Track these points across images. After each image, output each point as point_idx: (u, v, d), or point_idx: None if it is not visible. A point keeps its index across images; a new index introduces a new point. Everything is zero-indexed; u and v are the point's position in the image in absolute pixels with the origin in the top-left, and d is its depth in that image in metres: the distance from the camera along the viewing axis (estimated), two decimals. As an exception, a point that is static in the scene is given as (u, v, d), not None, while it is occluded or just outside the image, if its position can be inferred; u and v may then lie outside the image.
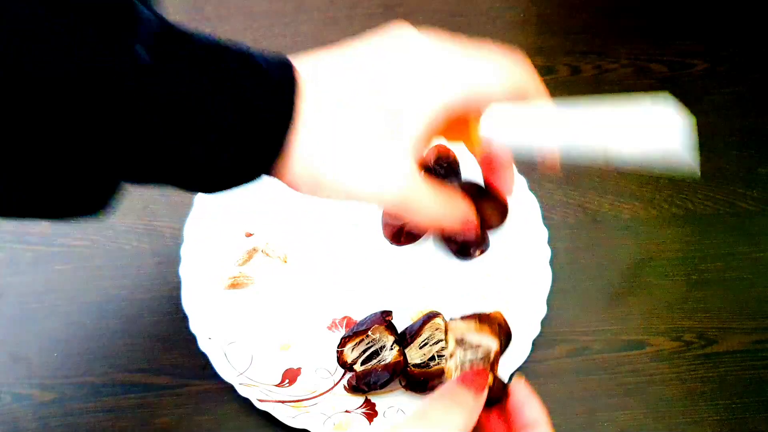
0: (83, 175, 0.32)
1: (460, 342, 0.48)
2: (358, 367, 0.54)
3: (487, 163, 0.44)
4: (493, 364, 0.47)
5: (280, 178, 0.36)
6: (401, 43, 0.38)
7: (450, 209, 0.40)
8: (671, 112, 0.34)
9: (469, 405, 0.38)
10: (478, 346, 0.47)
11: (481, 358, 0.47)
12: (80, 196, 0.33)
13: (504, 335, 0.52)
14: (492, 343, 0.47)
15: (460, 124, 0.39)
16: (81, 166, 0.31)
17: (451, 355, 0.49)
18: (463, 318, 0.48)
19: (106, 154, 0.31)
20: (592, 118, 0.37)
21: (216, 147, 0.33)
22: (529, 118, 0.38)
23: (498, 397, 0.42)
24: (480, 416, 0.40)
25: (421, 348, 0.54)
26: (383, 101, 0.36)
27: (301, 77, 0.36)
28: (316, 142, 0.36)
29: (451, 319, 0.49)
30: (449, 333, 0.49)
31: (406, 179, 0.37)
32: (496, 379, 0.42)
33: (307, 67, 0.37)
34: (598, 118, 0.36)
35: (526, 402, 0.42)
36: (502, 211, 0.45)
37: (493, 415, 0.43)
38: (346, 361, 0.54)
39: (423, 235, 0.53)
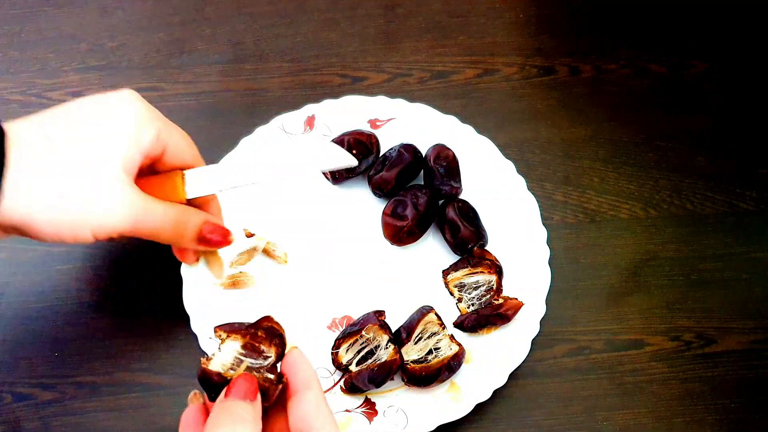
0: None
1: (461, 287, 0.56)
2: (353, 368, 0.54)
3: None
4: (498, 291, 0.57)
5: None
6: (109, 103, 0.46)
7: (188, 216, 0.46)
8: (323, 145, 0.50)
9: (250, 414, 0.37)
10: (478, 285, 0.55)
11: (486, 291, 0.56)
12: None
13: (495, 267, 0.57)
14: (489, 278, 0.56)
15: (164, 183, 0.48)
16: None
17: (460, 300, 0.57)
18: (455, 267, 0.58)
19: None
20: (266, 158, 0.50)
21: None
22: (221, 170, 0.49)
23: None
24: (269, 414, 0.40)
25: (416, 343, 0.54)
26: (90, 145, 0.43)
27: (10, 135, 0.41)
28: (26, 189, 0.40)
29: (444, 271, 0.59)
30: (450, 283, 0.58)
31: (127, 207, 0.43)
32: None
33: (19, 126, 0.42)
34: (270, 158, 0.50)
35: (298, 363, 0.41)
36: None
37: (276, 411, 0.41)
38: (342, 363, 0.54)
39: (422, 234, 0.54)
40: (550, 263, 0.58)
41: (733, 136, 0.67)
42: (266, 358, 0.42)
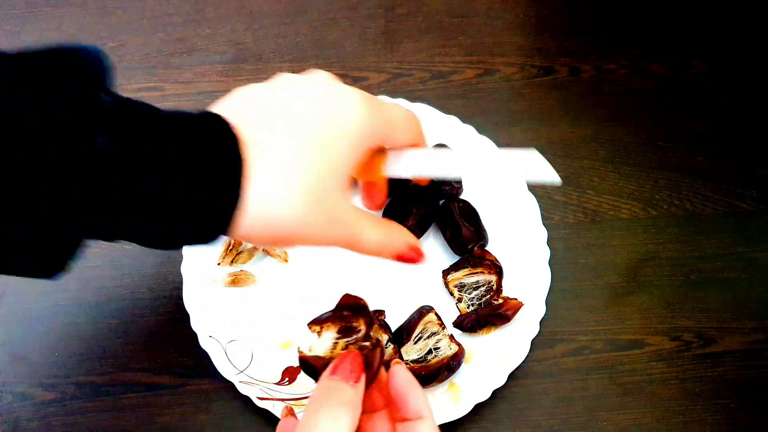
0: (44, 243, 0.32)
1: (461, 287, 0.56)
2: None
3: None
4: (498, 291, 0.56)
5: (235, 234, 0.35)
6: (320, 83, 0.39)
7: (392, 238, 0.42)
8: (527, 153, 0.43)
9: (352, 400, 0.36)
10: (478, 285, 0.56)
11: (486, 291, 0.56)
12: (37, 260, 0.33)
13: (495, 268, 0.57)
14: (489, 278, 0.56)
15: (367, 163, 0.43)
16: (44, 237, 0.31)
17: (460, 300, 0.57)
18: (455, 267, 0.58)
19: (68, 228, 0.31)
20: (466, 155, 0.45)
21: (171, 221, 0.33)
22: (422, 157, 0.44)
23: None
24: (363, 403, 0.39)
25: (416, 343, 0.54)
26: (316, 138, 0.37)
27: (239, 130, 0.34)
28: (266, 194, 0.35)
29: (444, 271, 0.58)
30: (450, 283, 0.58)
31: (349, 216, 0.39)
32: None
33: (234, 111, 0.36)
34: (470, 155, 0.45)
35: (408, 391, 0.39)
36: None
37: (376, 413, 0.41)
38: None
39: (423, 234, 0.54)
40: (550, 263, 0.58)
41: (733, 136, 0.67)
42: (358, 331, 0.44)
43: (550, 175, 0.42)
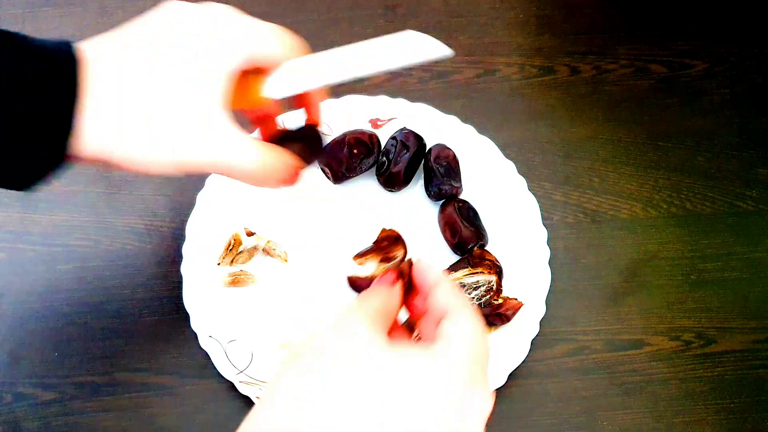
0: None
1: (461, 288, 0.57)
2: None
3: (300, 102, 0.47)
4: (498, 291, 0.57)
5: (75, 159, 0.37)
6: (184, 12, 0.41)
7: (273, 164, 0.42)
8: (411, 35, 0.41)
9: (385, 296, 0.38)
10: (478, 285, 0.56)
11: (486, 291, 0.56)
12: None
13: (495, 268, 0.58)
14: (489, 278, 0.57)
15: (243, 86, 0.42)
16: None
17: None
18: (455, 267, 0.58)
19: None
20: (351, 53, 0.43)
21: (4, 138, 0.34)
22: (303, 67, 0.42)
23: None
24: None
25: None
26: (180, 66, 0.38)
27: (86, 57, 0.37)
28: (107, 117, 0.37)
29: (444, 271, 0.58)
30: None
31: (217, 140, 0.39)
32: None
33: (93, 47, 0.38)
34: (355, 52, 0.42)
35: (426, 270, 0.39)
36: (314, 147, 0.48)
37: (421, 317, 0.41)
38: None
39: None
40: (550, 263, 0.58)
41: (733, 136, 0.67)
42: (396, 258, 0.58)
43: (437, 50, 0.40)
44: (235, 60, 0.40)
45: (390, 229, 0.56)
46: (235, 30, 0.41)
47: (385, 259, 0.57)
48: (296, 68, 0.42)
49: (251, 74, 0.42)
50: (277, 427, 0.32)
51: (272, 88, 0.42)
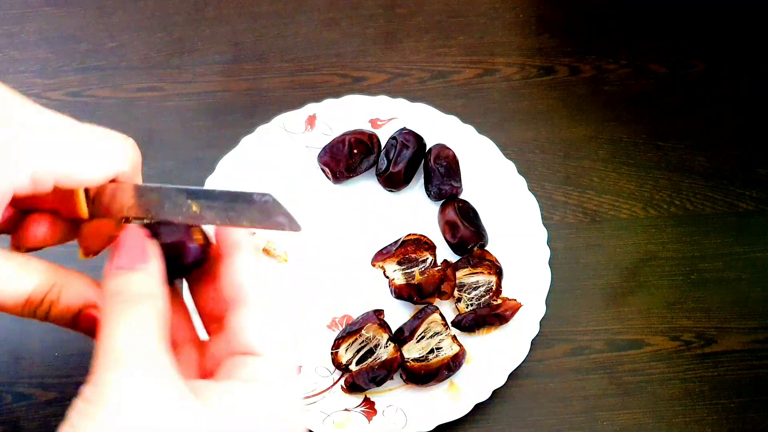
0: None
1: (460, 287, 0.57)
2: (353, 367, 0.54)
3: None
4: (498, 292, 0.57)
5: None
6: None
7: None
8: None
9: (146, 290, 0.29)
10: (478, 285, 0.56)
11: (486, 291, 0.56)
12: None
13: (495, 268, 0.57)
14: (489, 278, 0.57)
15: (63, 197, 0.32)
16: None
17: (459, 300, 0.57)
18: (455, 267, 0.57)
19: None
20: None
21: None
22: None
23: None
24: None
25: (418, 342, 0.54)
26: None
27: None
28: None
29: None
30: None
31: None
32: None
33: None
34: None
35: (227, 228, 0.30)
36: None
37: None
38: (341, 362, 0.54)
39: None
40: (550, 263, 0.58)
41: (733, 136, 0.67)
42: (425, 261, 0.57)
43: (288, 225, 0.30)
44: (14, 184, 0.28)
45: (416, 234, 0.56)
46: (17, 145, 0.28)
47: (406, 262, 0.57)
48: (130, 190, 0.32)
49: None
50: None
51: (101, 204, 0.32)
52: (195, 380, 0.29)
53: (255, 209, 0.30)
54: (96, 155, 0.30)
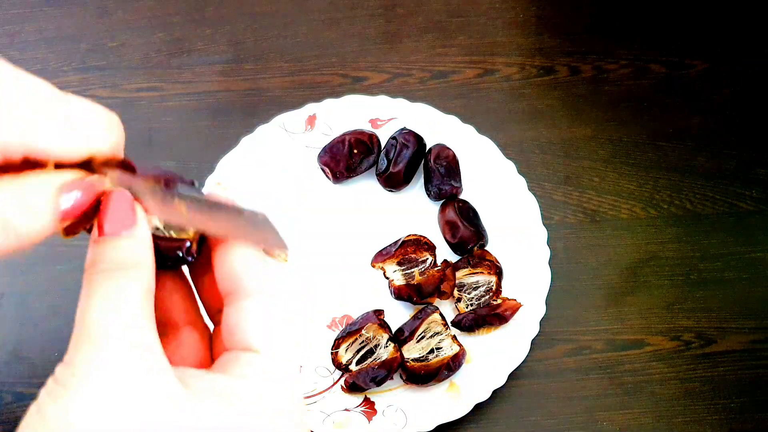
0: None
1: (460, 287, 0.57)
2: (353, 367, 0.54)
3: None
4: (498, 292, 0.57)
5: None
6: None
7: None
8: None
9: (132, 259, 0.26)
10: (478, 285, 0.56)
11: (486, 291, 0.56)
12: None
13: (495, 268, 0.57)
14: (489, 278, 0.57)
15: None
16: None
17: (459, 300, 0.57)
18: (455, 267, 0.57)
19: None
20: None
21: None
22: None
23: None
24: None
25: (418, 342, 0.54)
26: None
27: None
28: None
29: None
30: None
31: None
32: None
33: None
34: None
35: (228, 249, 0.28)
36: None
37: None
38: (341, 362, 0.54)
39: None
40: (550, 263, 0.58)
41: (733, 136, 0.67)
42: (425, 261, 0.56)
43: (277, 245, 0.30)
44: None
45: (417, 235, 0.56)
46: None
47: (406, 263, 0.57)
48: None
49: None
50: None
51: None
52: (188, 368, 0.26)
53: (244, 220, 0.29)
54: (73, 129, 0.26)
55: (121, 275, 0.25)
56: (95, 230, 0.26)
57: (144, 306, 0.25)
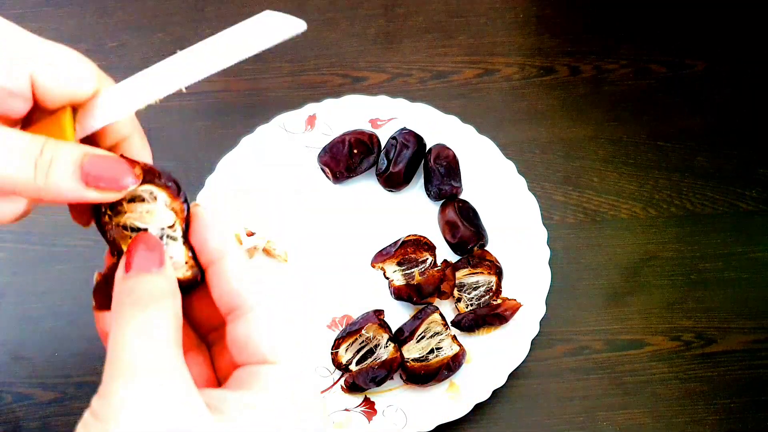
0: None
1: (460, 288, 0.57)
2: (353, 367, 0.54)
3: None
4: (498, 292, 0.57)
5: None
6: None
7: (47, 157, 0.28)
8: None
9: (163, 290, 0.27)
10: (478, 285, 0.56)
11: (486, 291, 0.56)
12: None
13: (495, 268, 0.58)
14: (489, 278, 0.57)
15: (49, 119, 0.31)
16: None
17: (459, 300, 0.57)
18: (455, 267, 0.57)
19: None
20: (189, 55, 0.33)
21: None
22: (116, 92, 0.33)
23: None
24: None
25: (418, 342, 0.54)
26: None
27: None
28: None
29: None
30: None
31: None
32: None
33: None
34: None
35: (206, 230, 0.29)
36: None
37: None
38: (341, 362, 0.54)
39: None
40: (550, 263, 0.58)
41: (733, 136, 0.67)
42: (425, 261, 0.56)
43: (292, 27, 0.31)
44: (13, 80, 0.28)
45: (417, 235, 0.56)
46: (17, 47, 0.29)
47: (406, 263, 0.57)
48: (112, 94, 0.33)
49: (63, 110, 0.31)
50: None
51: (84, 124, 0.31)
52: (210, 390, 0.27)
53: (250, 29, 0.31)
54: (80, 68, 0.31)
55: (152, 307, 0.26)
56: (121, 268, 0.28)
57: (174, 336, 0.26)
